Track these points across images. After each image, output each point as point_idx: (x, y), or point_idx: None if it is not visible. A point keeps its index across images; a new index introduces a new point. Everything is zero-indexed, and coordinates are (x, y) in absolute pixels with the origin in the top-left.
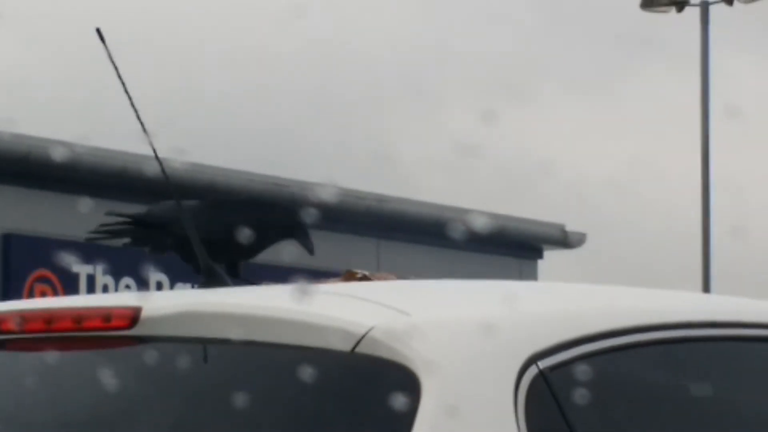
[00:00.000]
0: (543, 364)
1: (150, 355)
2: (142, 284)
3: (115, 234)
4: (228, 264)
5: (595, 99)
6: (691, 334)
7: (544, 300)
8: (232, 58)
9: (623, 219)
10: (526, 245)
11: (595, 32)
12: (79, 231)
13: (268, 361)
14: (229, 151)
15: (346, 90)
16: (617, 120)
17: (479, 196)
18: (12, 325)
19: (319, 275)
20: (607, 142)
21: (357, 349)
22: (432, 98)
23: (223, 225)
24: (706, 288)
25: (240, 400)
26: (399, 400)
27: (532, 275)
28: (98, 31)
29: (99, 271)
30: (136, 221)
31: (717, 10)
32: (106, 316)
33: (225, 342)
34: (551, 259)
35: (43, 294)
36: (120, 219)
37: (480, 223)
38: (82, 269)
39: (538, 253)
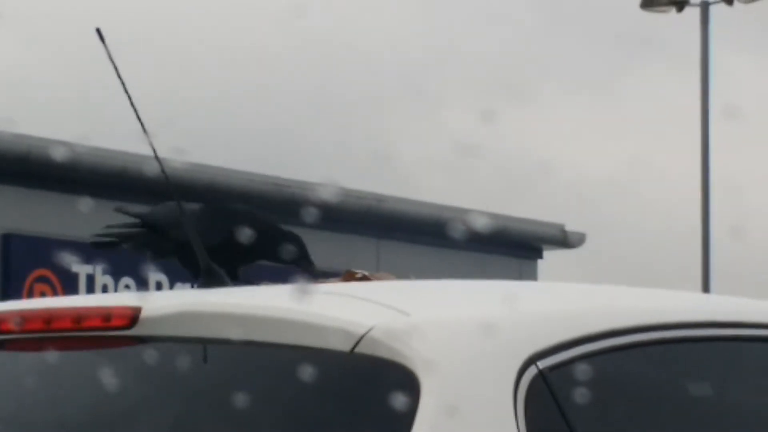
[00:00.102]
0: (543, 364)
1: (149, 355)
2: (142, 284)
3: (119, 239)
4: (227, 269)
5: (595, 99)
6: (691, 334)
7: (544, 300)
8: (232, 58)
9: (623, 219)
10: (526, 245)
11: (595, 32)
12: (79, 231)
13: (268, 361)
14: (229, 151)
15: (346, 90)
16: (617, 120)
17: (479, 196)
18: (12, 325)
19: (318, 275)
20: (607, 141)
21: (357, 349)
22: (432, 98)
23: (224, 231)
24: (706, 288)
25: (240, 400)
26: (399, 400)
27: (531, 275)
28: (98, 31)
29: (98, 271)
30: (142, 222)
31: (717, 10)
32: (106, 315)
33: (225, 342)
34: (551, 259)
35: (42, 294)
36: (127, 221)
37: (480, 223)
38: (81, 269)
39: (537, 253)
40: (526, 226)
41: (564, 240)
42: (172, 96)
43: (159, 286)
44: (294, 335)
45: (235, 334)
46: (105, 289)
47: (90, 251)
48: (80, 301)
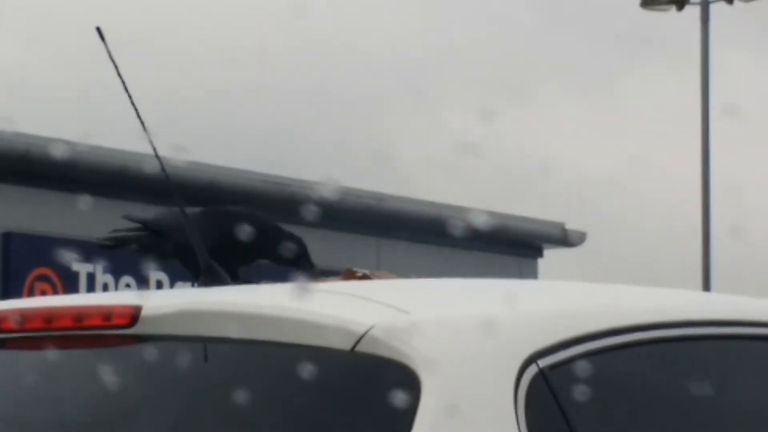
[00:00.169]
0: (543, 362)
1: (150, 353)
2: (142, 283)
3: (125, 242)
4: (228, 268)
5: (595, 98)
6: (691, 333)
7: (544, 299)
8: (232, 58)
9: (623, 218)
10: (526, 244)
11: (596, 31)
12: (80, 229)
13: (268, 359)
14: (229, 150)
15: (347, 89)
16: (618, 119)
17: (479, 195)
18: (12, 324)
19: (319, 275)
20: (607, 141)
21: (357, 348)
22: (432, 98)
23: (225, 231)
24: (706, 286)
25: (240, 398)
26: (399, 399)
27: (532, 274)
28: (98, 30)
29: (99, 269)
30: (146, 227)
31: (717, 9)
32: (107, 314)
33: (225, 341)
34: (551, 257)
35: (43, 292)
36: (132, 225)
37: (480, 222)
38: (82, 268)
39: (538, 252)
40: (527, 224)
41: (564, 239)
42: (172, 95)
43: (159, 285)
44: (294, 334)
45: (236, 332)
46: (105, 288)
47: (90, 250)
48: (81, 299)
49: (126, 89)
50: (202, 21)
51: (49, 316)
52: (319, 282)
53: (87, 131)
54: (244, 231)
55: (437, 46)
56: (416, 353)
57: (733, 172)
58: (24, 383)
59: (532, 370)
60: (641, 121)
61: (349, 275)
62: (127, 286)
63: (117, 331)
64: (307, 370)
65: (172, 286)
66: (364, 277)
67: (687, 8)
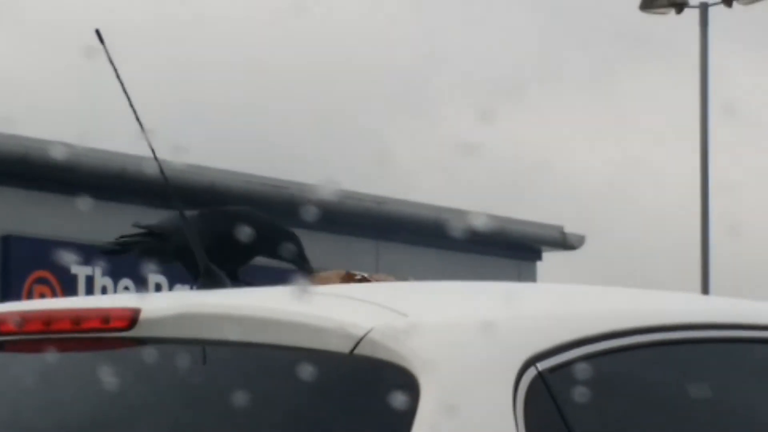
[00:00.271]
0: (542, 365)
1: (149, 356)
2: (141, 286)
3: (130, 246)
4: (226, 269)
5: (594, 100)
6: (690, 336)
7: (543, 301)
8: (231, 60)
9: (622, 220)
10: (525, 247)
11: (595, 33)
12: (79, 232)
13: (267, 362)
14: (228, 153)
15: (346, 91)
16: (617, 121)
17: (478, 198)
18: (11, 326)
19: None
20: (606, 143)
21: (356, 351)
22: (431, 100)
23: (222, 231)
24: (705, 289)
25: (239, 401)
26: (398, 402)
27: (531, 277)
28: (97, 32)
29: (98, 272)
30: (149, 232)
31: (716, 12)
32: (105, 317)
33: (224, 343)
34: (550, 260)
35: (42, 295)
36: (138, 231)
37: (479, 225)
38: (80, 270)
39: (537, 255)
40: (526, 227)
41: (563, 242)
42: (171, 97)
43: (158, 288)
44: (293, 337)
45: (235, 335)
46: (104, 291)
47: (89, 252)
48: (79, 302)
49: (125, 91)
50: (202, 22)
51: (47, 319)
52: (317, 276)
53: (86, 134)
54: (241, 230)
55: (436, 48)
56: (415, 356)
57: (732, 174)
58: (23, 386)
59: (531, 373)
60: (641, 123)
61: (348, 278)
62: (126, 288)
63: (115, 334)
64: (305, 372)
65: (170, 288)
66: (363, 279)
67: (686, 11)
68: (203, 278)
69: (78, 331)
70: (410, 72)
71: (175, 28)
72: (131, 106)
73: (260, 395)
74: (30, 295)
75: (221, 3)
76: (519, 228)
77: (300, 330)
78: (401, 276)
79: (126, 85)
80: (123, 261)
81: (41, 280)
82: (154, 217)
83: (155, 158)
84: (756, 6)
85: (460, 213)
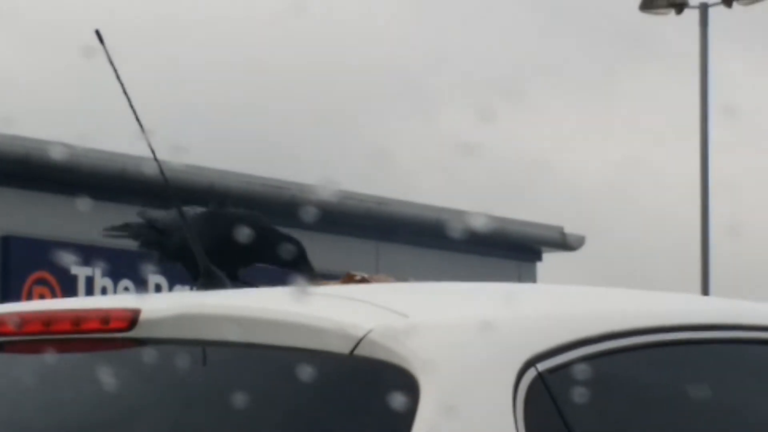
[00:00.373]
0: (542, 366)
1: (149, 357)
2: (141, 286)
3: (132, 234)
4: (227, 271)
5: (594, 100)
6: (690, 337)
7: (543, 302)
8: (231, 60)
9: (622, 221)
10: (525, 247)
11: (595, 34)
12: (78, 233)
13: (267, 363)
14: (228, 154)
15: (346, 92)
16: (617, 122)
17: (478, 199)
18: (11, 327)
19: (316, 275)
20: (606, 144)
21: (356, 352)
22: (431, 100)
23: (224, 234)
24: (705, 290)
25: (239, 402)
26: (398, 402)
27: (531, 277)
28: (97, 32)
29: (98, 273)
30: (151, 224)
31: (716, 12)
32: (105, 317)
33: (224, 344)
34: (550, 261)
35: (41, 296)
36: (141, 221)
37: (479, 225)
38: (80, 271)
39: (537, 256)
40: (526, 228)
41: (563, 242)
42: (171, 98)
43: (158, 289)
44: (293, 337)
45: (234, 336)
46: (104, 291)
47: (89, 253)
48: (79, 303)
49: (125, 92)
50: (202, 22)
51: (47, 320)
52: (318, 285)
53: (86, 134)
54: (244, 233)
55: (436, 48)
56: (415, 356)
57: (732, 175)
58: (22, 387)
59: (530, 374)
60: (641, 124)
61: (348, 279)
62: (126, 289)
63: (115, 335)
64: (305, 373)
65: (170, 289)
66: (363, 280)
67: (686, 11)
68: (203, 279)
69: (78, 332)
70: (410, 72)
71: (175, 28)
72: (131, 106)
73: (260, 396)
74: (30, 296)
75: (221, 3)
76: (519, 229)
77: (300, 331)
78: (401, 277)
79: (126, 86)
80: (123, 262)
81: (41, 281)
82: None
83: (155, 159)
84: (756, 6)
85: (460, 214)
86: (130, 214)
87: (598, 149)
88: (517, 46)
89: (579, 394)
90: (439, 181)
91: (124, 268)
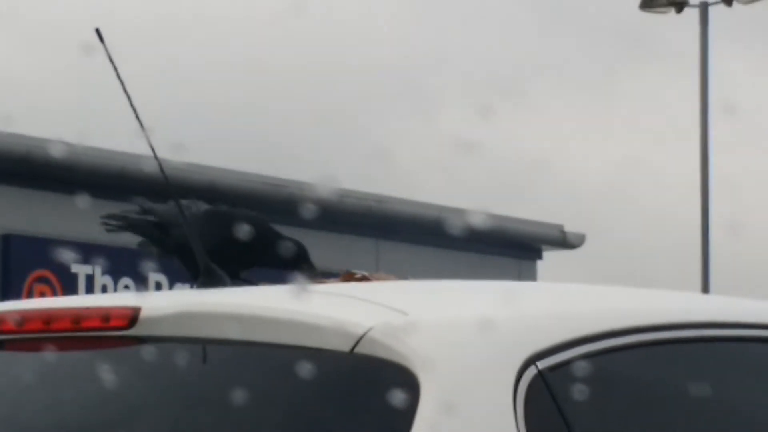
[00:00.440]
0: (542, 364)
1: (149, 355)
2: (141, 284)
3: (130, 224)
4: (227, 270)
5: (594, 99)
6: (690, 335)
7: (543, 300)
8: (231, 60)
9: (622, 219)
10: (526, 246)
11: (595, 33)
12: (79, 231)
13: (267, 361)
14: (228, 152)
15: (345, 92)
16: (617, 120)
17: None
18: (11, 325)
19: (318, 275)
20: (606, 142)
21: (356, 350)
22: (431, 98)
23: (226, 233)
24: (705, 288)
25: (239, 400)
26: (398, 400)
27: (531, 276)
28: (97, 31)
29: (98, 271)
30: (151, 218)
31: (716, 11)
32: (105, 316)
33: (224, 342)
34: (550, 259)
35: (42, 294)
36: (140, 214)
37: (479, 224)
38: (81, 269)
39: (537, 254)
40: (526, 226)
41: (563, 241)
42: (171, 97)
43: (158, 287)
44: (293, 335)
45: (235, 334)
46: (104, 290)
47: (89, 251)
48: (79, 301)
49: (125, 90)
50: (202, 22)
51: (47, 318)
52: (318, 283)
53: (86, 133)
54: (246, 233)
55: (435, 47)
56: (415, 355)
57: (732, 173)
58: (23, 385)
59: (531, 372)
60: (641, 122)
61: (348, 277)
62: (126, 287)
63: (115, 333)
64: (306, 371)
65: (171, 287)
66: (363, 278)
67: (686, 10)
68: (203, 277)
69: (78, 330)
70: (410, 72)
71: (175, 28)
72: (131, 104)
73: (260, 394)
74: (30, 294)
75: (221, 3)
76: (519, 227)
77: (300, 329)
78: (401, 275)
79: (126, 84)
80: (123, 260)
81: (41, 279)
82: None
83: (155, 157)
84: (756, 5)
85: (461, 212)
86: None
87: (598, 149)
88: (517, 46)
89: (579, 392)
90: (440, 179)
91: (124, 266)
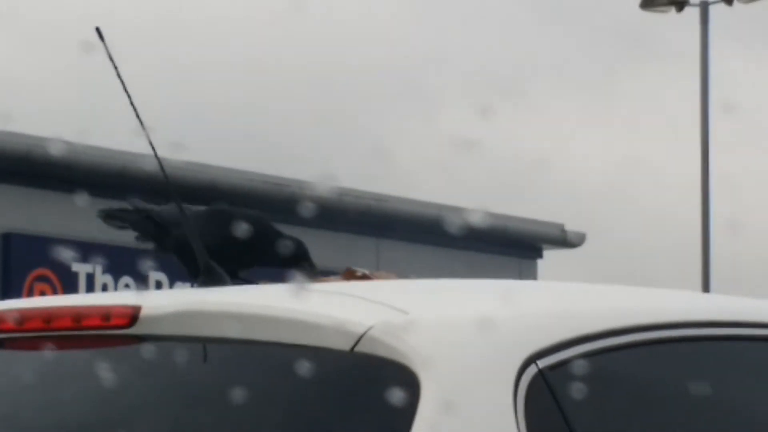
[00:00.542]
0: (542, 363)
1: (149, 354)
2: (142, 283)
3: (126, 221)
4: (227, 269)
5: (594, 98)
6: (691, 334)
7: (544, 299)
8: (231, 60)
9: (623, 219)
10: (526, 245)
11: (596, 32)
12: (79, 230)
13: (268, 360)
14: (228, 152)
15: (346, 92)
16: (617, 119)
17: (479, 196)
18: (11, 324)
19: (318, 274)
20: (606, 141)
21: (356, 348)
22: (431, 97)
23: (226, 233)
24: (706, 287)
25: (239, 399)
26: (398, 399)
27: (531, 275)
28: (98, 30)
29: (98, 270)
30: (150, 216)
31: (716, 10)
32: (106, 314)
33: (224, 341)
34: (551, 258)
35: (42, 293)
36: (136, 209)
37: (479, 223)
38: (81, 268)
39: (537, 253)
40: (526, 225)
41: (564, 239)
42: (171, 97)
43: (159, 286)
44: (294, 334)
45: (235, 333)
46: (105, 288)
47: (90, 250)
48: (80, 300)
49: (125, 88)
50: (202, 21)
51: (48, 317)
52: (319, 281)
53: (86, 131)
54: (248, 233)
55: (435, 46)
56: (415, 353)
57: (732, 172)
58: (23, 383)
59: (531, 371)
60: (641, 121)
61: (349, 275)
62: (127, 286)
63: (116, 332)
64: (306, 370)
65: (171, 286)
66: (364, 277)
67: (686, 9)
68: (203, 276)
69: (78, 328)
70: (410, 72)
71: (175, 28)
72: (131, 102)
73: (261, 393)
74: (30, 293)
75: (221, 3)
76: (520, 226)
77: (300, 327)
78: (402, 273)
79: (126, 83)
80: (123, 259)
81: (42, 278)
82: None
83: (155, 155)
84: (756, 4)
85: (461, 210)
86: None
87: (598, 146)
88: (517, 46)
89: (579, 391)
90: (440, 179)
91: (124, 265)
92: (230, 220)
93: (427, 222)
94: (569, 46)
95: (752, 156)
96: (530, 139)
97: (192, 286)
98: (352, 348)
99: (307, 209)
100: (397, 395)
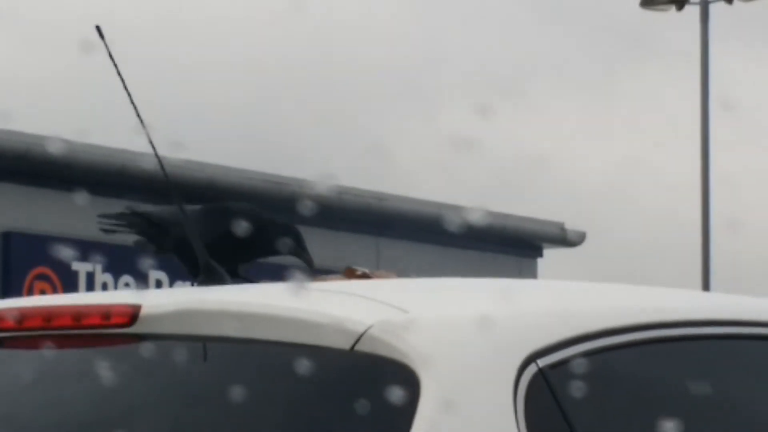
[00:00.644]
0: (542, 362)
1: (149, 352)
2: (142, 282)
3: (125, 225)
4: (227, 267)
5: (595, 97)
6: (691, 332)
7: (544, 298)
8: (231, 58)
9: (623, 217)
10: (526, 243)
11: (595, 31)
12: (79, 229)
13: (268, 358)
14: (228, 149)
15: (345, 89)
16: (617, 118)
17: (479, 194)
18: (11, 323)
19: (318, 273)
20: (607, 140)
21: (356, 347)
22: (431, 97)
23: (222, 228)
24: (706, 286)
25: (239, 397)
26: (398, 398)
27: (531, 273)
28: (98, 28)
29: (98, 268)
30: (148, 219)
31: (717, 9)
32: (106, 313)
33: (224, 340)
34: (551, 257)
35: (42, 291)
36: (132, 212)
37: (479, 221)
38: (81, 267)
39: (537, 252)
40: (526, 224)
41: (564, 238)
42: (171, 97)
43: (159, 284)
44: (294, 333)
45: (235, 332)
46: (105, 287)
47: (90, 249)
48: (80, 298)
49: (125, 86)
50: (203, 21)
51: (48, 315)
52: (320, 279)
53: (86, 130)
54: (244, 228)
55: (435, 45)
56: (415, 352)
57: (732, 171)
58: (22, 382)
59: (531, 370)
60: (641, 120)
61: (349, 274)
62: (127, 285)
63: (116, 330)
64: (306, 369)
65: (171, 285)
66: (364, 275)
67: (687, 8)
68: (203, 275)
69: (78, 327)
70: (410, 72)
71: (175, 28)
72: (131, 100)
73: (261, 392)
74: (30, 292)
75: (221, 3)
76: (520, 224)
77: (300, 326)
78: (402, 272)
79: (126, 81)
80: (123, 257)
81: (42, 277)
82: None
83: (155, 153)
84: (756, 3)
85: (461, 209)
86: (144, 209)
87: (598, 145)
88: (517, 45)
89: (579, 390)
90: (440, 178)
91: (124, 264)
92: (224, 215)
93: (427, 221)
94: (569, 46)
95: (752, 155)
96: (530, 139)
97: (192, 284)
98: (352, 347)
99: (306, 208)
100: (397, 394)
